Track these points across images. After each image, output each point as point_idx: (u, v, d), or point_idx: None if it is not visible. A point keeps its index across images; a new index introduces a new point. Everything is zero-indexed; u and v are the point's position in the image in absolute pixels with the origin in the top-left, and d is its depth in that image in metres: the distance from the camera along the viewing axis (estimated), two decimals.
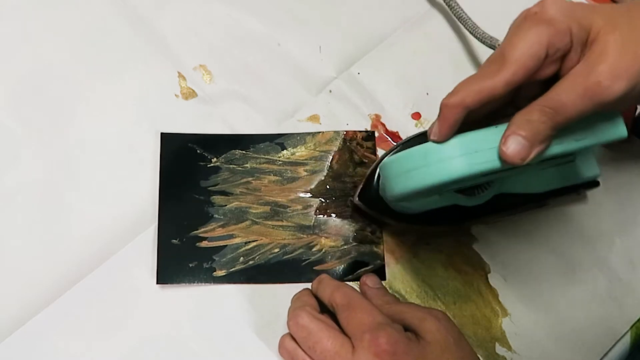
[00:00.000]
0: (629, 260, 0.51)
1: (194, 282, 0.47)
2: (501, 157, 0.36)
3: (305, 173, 0.51)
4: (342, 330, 0.41)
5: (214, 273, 0.47)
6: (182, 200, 0.49)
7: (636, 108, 0.53)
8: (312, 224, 0.50)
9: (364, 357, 0.38)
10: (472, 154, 0.37)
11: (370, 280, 0.47)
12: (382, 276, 0.49)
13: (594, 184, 0.50)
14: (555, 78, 0.37)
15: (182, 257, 0.47)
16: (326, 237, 0.49)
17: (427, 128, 0.49)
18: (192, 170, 0.50)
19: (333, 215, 0.50)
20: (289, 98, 0.53)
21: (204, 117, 0.51)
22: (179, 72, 0.52)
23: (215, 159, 0.50)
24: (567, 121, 0.36)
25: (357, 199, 0.48)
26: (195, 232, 0.48)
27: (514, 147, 0.36)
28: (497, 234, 0.51)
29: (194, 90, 0.52)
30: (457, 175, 0.37)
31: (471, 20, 0.53)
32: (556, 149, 0.37)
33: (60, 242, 0.47)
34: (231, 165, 0.50)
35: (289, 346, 0.42)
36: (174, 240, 0.48)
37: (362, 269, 0.49)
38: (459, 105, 0.36)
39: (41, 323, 0.45)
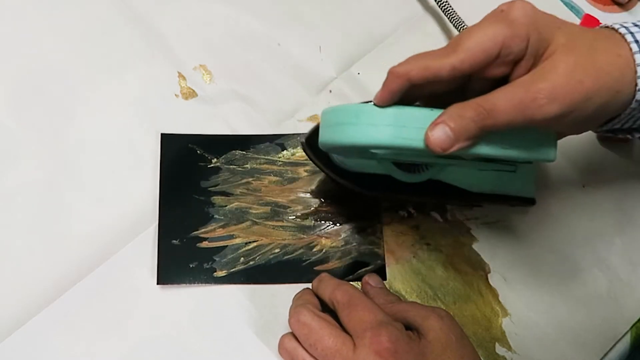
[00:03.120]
0: (629, 260, 0.51)
1: (194, 283, 0.47)
2: (425, 141, 0.36)
3: (306, 173, 0.51)
4: (344, 328, 0.41)
5: (215, 273, 0.47)
6: (183, 201, 0.49)
7: None
8: (312, 224, 0.50)
9: (365, 354, 0.38)
10: (400, 127, 0.37)
11: (372, 279, 0.47)
12: (383, 276, 0.49)
13: (529, 201, 0.50)
14: (505, 80, 0.37)
15: (182, 257, 0.47)
16: (326, 238, 0.49)
17: None
18: (192, 171, 0.50)
19: (333, 215, 0.50)
20: (289, 98, 0.53)
21: (204, 117, 0.51)
22: (179, 72, 0.52)
23: (215, 160, 0.50)
24: (497, 127, 0.36)
25: (304, 139, 0.48)
26: (195, 232, 0.48)
27: (439, 135, 0.36)
28: (497, 234, 0.51)
29: (194, 90, 0.52)
30: (380, 142, 0.37)
31: (465, 23, 0.53)
32: (481, 149, 0.37)
33: (60, 242, 0.47)
34: (231, 166, 0.50)
35: (289, 346, 0.42)
36: (175, 241, 0.48)
37: (363, 269, 0.49)
38: (403, 76, 0.36)
39: (41, 323, 0.45)
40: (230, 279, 0.48)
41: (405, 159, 0.45)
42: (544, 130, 0.38)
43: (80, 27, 0.53)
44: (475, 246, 0.50)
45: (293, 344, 0.42)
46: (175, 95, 0.52)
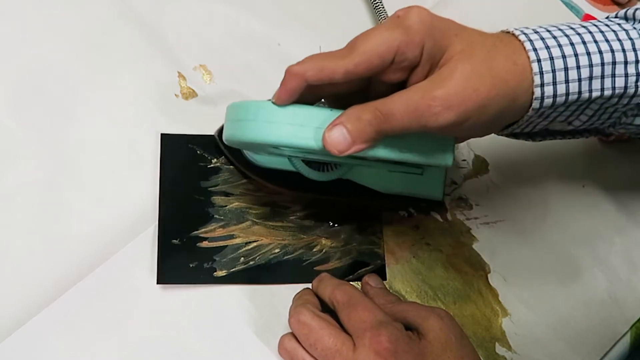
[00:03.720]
0: (629, 260, 0.51)
1: (194, 283, 0.47)
2: (322, 142, 0.36)
3: None
4: (343, 329, 0.41)
5: (215, 273, 0.47)
6: (183, 201, 0.49)
7: None
8: (312, 224, 0.50)
9: (365, 355, 0.38)
10: (298, 126, 0.37)
11: (372, 279, 0.47)
12: (383, 276, 0.49)
13: (437, 203, 0.50)
14: (404, 84, 0.37)
15: (182, 257, 0.47)
16: (326, 238, 0.49)
17: None
18: (192, 171, 0.50)
19: (333, 215, 0.50)
20: None
21: (204, 117, 0.51)
22: (179, 72, 0.52)
23: (215, 160, 0.50)
24: (393, 132, 0.35)
25: (216, 133, 0.48)
26: (195, 232, 0.48)
27: (336, 137, 0.35)
28: (497, 234, 0.51)
29: (194, 90, 0.52)
30: (277, 141, 0.37)
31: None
32: (379, 152, 0.37)
33: (60, 242, 0.47)
34: (231, 166, 0.50)
35: (289, 346, 0.42)
36: (175, 241, 0.48)
37: (363, 269, 0.49)
38: (299, 76, 0.36)
39: (41, 323, 0.45)
40: (230, 279, 0.48)
41: (310, 158, 0.45)
42: (441, 135, 0.38)
43: (80, 27, 0.53)
44: (475, 246, 0.50)
45: (293, 344, 0.42)
46: (175, 95, 0.52)
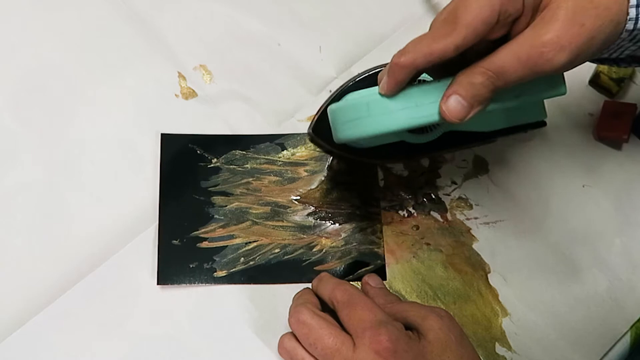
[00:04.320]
0: (629, 260, 0.51)
1: (194, 283, 0.47)
2: (440, 114, 0.37)
3: (306, 173, 0.51)
4: (343, 328, 0.41)
5: (215, 273, 0.47)
6: (183, 201, 0.49)
7: (636, 108, 0.53)
8: (312, 224, 0.50)
9: (365, 354, 0.38)
10: (413, 107, 0.38)
11: (372, 279, 0.47)
12: (383, 276, 0.49)
13: (541, 124, 0.51)
14: (505, 38, 0.37)
15: (182, 257, 0.47)
16: (326, 238, 0.49)
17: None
18: (192, 171, 0.50)
19: (333, 215, 0.50)
20: (289, 98, 0.53)
21: (204, 117, 0.51)
22: (179, 72, 0.52)
23: (215, 160, 0.50)
24: (507, 85, 0.36)
25: (311, 130, 0.50)
26: (195, 232, 0.48)
27: (454, 106, 0.36)
28: (497, 234, 0.51)
29: (194, 90, 0.52)
30: (398, 127, 0.38)
31: None
32: (495, 106, 0.38)
33: (60, 242, 0.47)
34: (231, 166, 0.50)
35: (289, 345, 0.42)
36: (175, 241, 0.48)
37: (363, 269, 0.49)
38: (409, 66, 0.37)
39: (41, 323, 0.45)
40: (231, 279, 0.48)
41: (420, 126, 0.45)
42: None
43: (80, 27, 0.53)
44: (475, 246, 0.50)
45: (293, 343, 0.42)
46: (175, 95, 0.52)
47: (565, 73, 0.39)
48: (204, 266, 0.47)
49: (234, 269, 0.48)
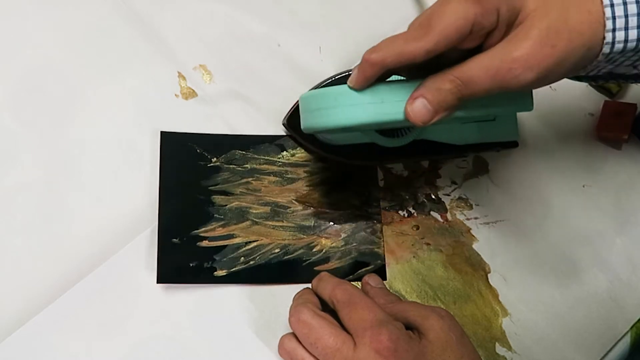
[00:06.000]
0: (629, 260, 0.51)
1: (194, 282, 0.47)
2: (405, 115, 0.37)
3: (305, 174, 0.51)
4: (344, 328, 0.41)
5: (215, 273, 0.47)
6: (183, 200, 0.49)
7: (636, 108, 0.53)
8: (312, 224, 0.50)
9: (366, 353, 0.38)
10: (379, 103, 0.38)
11: (372, 279, 0.47)
12: (383, 276, 0.49)
13: (512, 144, 0.51)
14: (479, 49, 0.37)
15: (182, 256, 0.47)
16: (326, 238, 0.49)
17: None
18: (192, 170, 0.50)
19: (333, 215, 0.50)
20: (289, 98, 0.52)
21: (204, 117, 0.51)
22: (179, 72, 0.52)
23: (215, 159, 0.50)
24: (474, 96, 0.36)
25: (285, 122, 0.50)
26: (195, 231, 0.48)
27: (419, 109, 0.37)
28: (497, 234, 0.51)
29: (194, 90, 0.52)
30: (362, 121, 0.38)
31: None
32: (460, 114, 0.38)
33: (60, 242, 0.47)
34: (231, 166, 0.50)
35: (289, 346, 0.42)
36: (175, 240, 0.48)
37: (363, 269, 0.49)
38: (379, 64, 0.37)
39: (41, 323, 0.45)
40: (231, 279, 0.47)
41: (389, 127, 0.46)
42: None
43: (80, 27, 0.53)
44: (475, 246, 0.50)
45: (293, 344, 0.42)
46: (175, 95, 0.52)
47: None
48: (204, 265, 0.47)
49: (234, 269, 0.48)
